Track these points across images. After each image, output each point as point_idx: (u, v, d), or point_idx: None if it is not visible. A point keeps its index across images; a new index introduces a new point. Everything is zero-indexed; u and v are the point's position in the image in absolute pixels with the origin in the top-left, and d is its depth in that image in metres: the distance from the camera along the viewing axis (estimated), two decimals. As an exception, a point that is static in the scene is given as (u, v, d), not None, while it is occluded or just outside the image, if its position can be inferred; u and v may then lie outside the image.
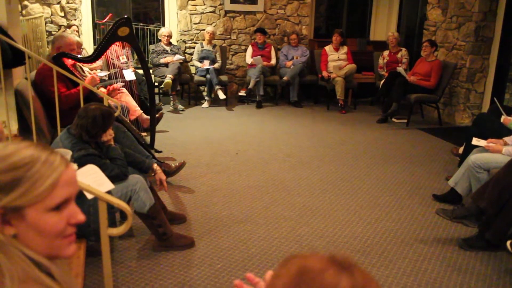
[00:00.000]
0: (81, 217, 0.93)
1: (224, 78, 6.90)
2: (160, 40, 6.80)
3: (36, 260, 0.87)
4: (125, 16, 3.93)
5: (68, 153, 2.33)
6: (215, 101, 6.89)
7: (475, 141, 3.55)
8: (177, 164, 3.87)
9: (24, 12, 6.27)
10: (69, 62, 3.97)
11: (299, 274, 0.64)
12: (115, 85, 4.30)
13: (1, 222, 0.85)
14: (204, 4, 7.22)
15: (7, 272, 0.81)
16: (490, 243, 2.94)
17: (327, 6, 8.47)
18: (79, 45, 4.90)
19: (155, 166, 3.10)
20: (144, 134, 4.68)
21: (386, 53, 6.88)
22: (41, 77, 3.71)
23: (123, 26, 3.84)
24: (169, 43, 6.78)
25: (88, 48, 6.58)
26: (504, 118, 3.73)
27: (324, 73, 6.82)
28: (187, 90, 7.12)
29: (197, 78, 6.85)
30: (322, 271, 0.63)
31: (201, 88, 7.22)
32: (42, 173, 0.86)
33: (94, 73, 4.55)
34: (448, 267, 2.78)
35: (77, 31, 6.42)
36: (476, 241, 2.99)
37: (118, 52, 5.65)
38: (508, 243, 2.71)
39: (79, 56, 4.16)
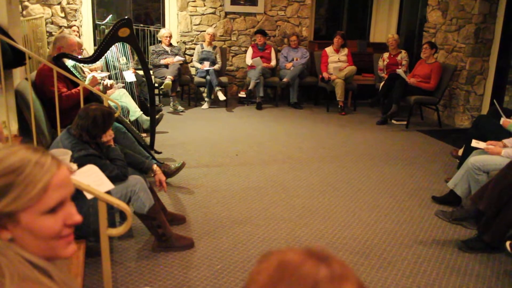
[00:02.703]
0: (77, 218, 0.92)
1: (224, 79, 6.91)
2: (160, 41, 6.81)
3: (34, 262, 0.87)
4: (126, 17, 3.94)
5: (68, 153, 2.33)
6: (215, 102, 6.89)
7: (474, 143, 3.55)
8: (176, 165, 3.87)
9: (24, 12, 6.28)
10: (69, 62, 3.97)
11: (278, 268, 0.66)
12: (105, 82, 4.25)
13: None
14: (205, 6, 7.23)
15: (8, 271, 0.81)
16: (489, 245, 2.94)
17: (327, 8, 8.48)
18: (80, 46, 4.91)
19: (155, 167, 3.11)
20: (144, 135, 4.69)
21: (386, 55, 6.88)
22: (41, 78, 3.71)
23: (123, 27, 3.84)
24: (170, 44, 6.79)
25: (89, 49, 6.58)
26: (503, 120, 3.73)
27: (325, 75, 6.82)
28: (187, 91, 7.13)
29: (197, 79, 6.85)
30: (301, 264, 0.65)
31: (201, 89, 7.22)
32: (33, 177, 0.86)
33: (93, 73, 4.55)
34: (447, 269, 2.78)
35: (78, 32, 6.43)
36: (475, 243, 2.99)
37: (118, 53, 5.66)
38: (507, 244, 2.72)
39: (79, 57, 4.17)
